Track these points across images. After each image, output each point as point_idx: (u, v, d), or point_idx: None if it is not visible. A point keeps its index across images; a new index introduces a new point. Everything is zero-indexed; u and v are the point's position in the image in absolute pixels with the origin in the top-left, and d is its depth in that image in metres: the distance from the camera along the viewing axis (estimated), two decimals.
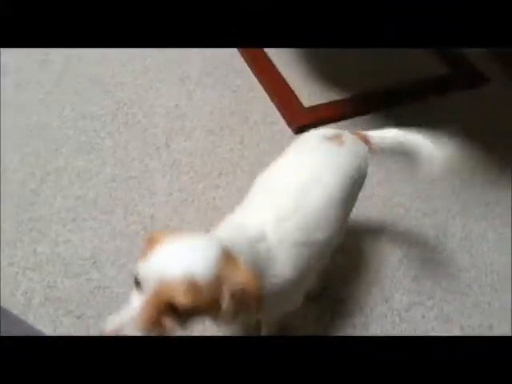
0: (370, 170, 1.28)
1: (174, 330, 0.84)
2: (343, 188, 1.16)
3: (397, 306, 1.53)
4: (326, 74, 2.22)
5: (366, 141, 1.30)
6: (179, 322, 0.84)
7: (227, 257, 0.88)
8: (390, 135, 1.33)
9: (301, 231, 1.08)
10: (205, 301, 0.83)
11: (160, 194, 1.68)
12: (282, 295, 1.06)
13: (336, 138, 1.23)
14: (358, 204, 1.30)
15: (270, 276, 1.01)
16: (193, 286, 0.82)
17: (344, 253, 1.59)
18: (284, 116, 2.03)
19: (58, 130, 1.81)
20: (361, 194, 1.28)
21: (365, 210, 1.73)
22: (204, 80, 2.10)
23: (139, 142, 1.82)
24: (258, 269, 0.98)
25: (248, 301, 0.89)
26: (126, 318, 0.81)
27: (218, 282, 0.85)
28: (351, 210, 1.31)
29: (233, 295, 0.86)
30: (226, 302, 0.86)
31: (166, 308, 0.82)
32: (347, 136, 1.26)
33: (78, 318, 1.35)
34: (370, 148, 1.30)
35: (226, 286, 0.86)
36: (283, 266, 1.04)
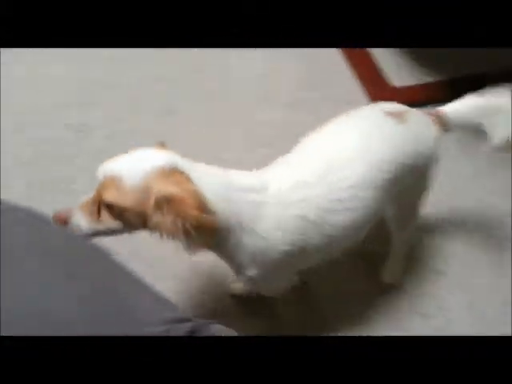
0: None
1: (113, 227, 0.97)
2: (392, 168, 1.04)
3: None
4: (418, 53, 1.96)
5: (441, 122, 1.14)
6: (115, 218, 0.95)
7: (170, 173, 0.93)
8: (469, 103, 1.16)
9: (318, 208, 1.01)
10: (130, 203, 0.92)
11: (230, 162, 1.65)
12: (262, 262, 1.03)
13: (398, 115, 1.09)
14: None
15: (250, 232, 1.00)
16: (118, 187, 0.92)
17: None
18: (368, 94, 1.80)
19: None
20: None
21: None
22: (284, 50, 1.92)
23: (219, 110, 1.79)
24: (235, 216, 0.98)
25: (179, 215, 0.91)
26: (76, 204, 0.97)
27: (145, 190, 0.92)
28: (413, 205, 1.23)
29: (157, 203, 0.91)
30: (151, 209, 0.92)
31: (101, 202, 0.94)
32: (413, 115, 1.11)
33: None
34: (444, 129, 1.14)
35: (153, 195, 0.91)
36: (273, 232, 1.00)
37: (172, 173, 0.93)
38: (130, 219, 0.95)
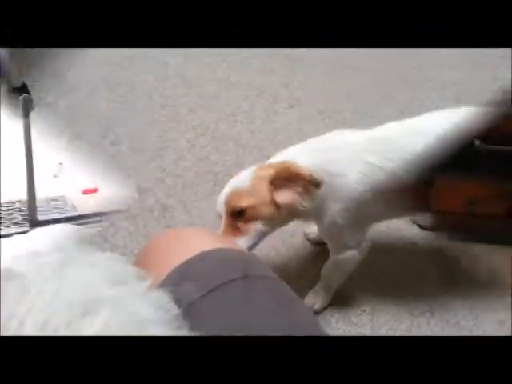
0: None
1: (257, 229, 1.14)
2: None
3: None
4: None
5: None
6: (252, 221, 1.13)
7: (266, 166, 1.16)
8: None
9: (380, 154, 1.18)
10: (253, 199, 1.11)
11: None
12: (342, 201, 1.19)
13: None
14: None
15: (336, 177, 1.17)
16: (239, 195, 1.12)
17: None
18: None
19: None
20: None
21: None
22: None
23: None
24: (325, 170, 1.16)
25: (292, 179, 1.11)
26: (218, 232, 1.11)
27: (257, 184, 1.12)
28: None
29: (272, 184, 1.11)
30: (270, 193, 1.12)
31: (234, 214, 1.13)
32: None
33: None
34: None
35: (265, 183, 1.12)
36: (350, 173, 1.17)
37: (267, 166, 1.16)
38: (262, 212, 1.13)
